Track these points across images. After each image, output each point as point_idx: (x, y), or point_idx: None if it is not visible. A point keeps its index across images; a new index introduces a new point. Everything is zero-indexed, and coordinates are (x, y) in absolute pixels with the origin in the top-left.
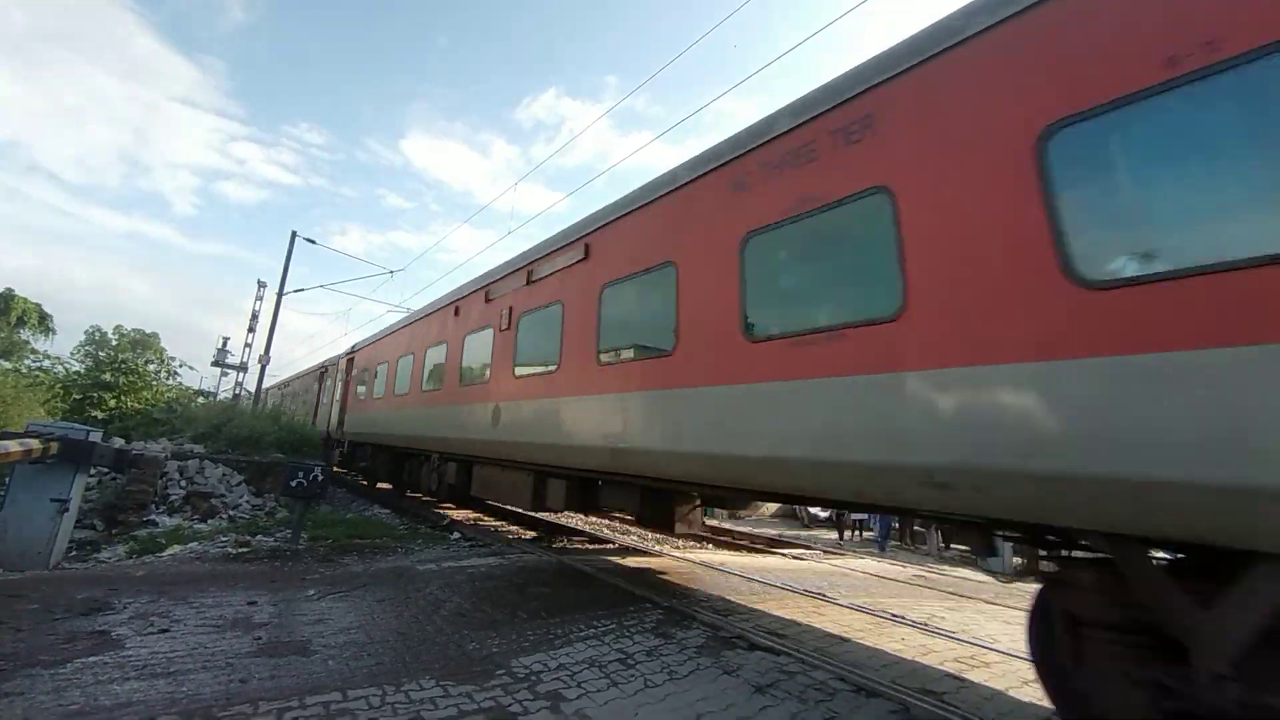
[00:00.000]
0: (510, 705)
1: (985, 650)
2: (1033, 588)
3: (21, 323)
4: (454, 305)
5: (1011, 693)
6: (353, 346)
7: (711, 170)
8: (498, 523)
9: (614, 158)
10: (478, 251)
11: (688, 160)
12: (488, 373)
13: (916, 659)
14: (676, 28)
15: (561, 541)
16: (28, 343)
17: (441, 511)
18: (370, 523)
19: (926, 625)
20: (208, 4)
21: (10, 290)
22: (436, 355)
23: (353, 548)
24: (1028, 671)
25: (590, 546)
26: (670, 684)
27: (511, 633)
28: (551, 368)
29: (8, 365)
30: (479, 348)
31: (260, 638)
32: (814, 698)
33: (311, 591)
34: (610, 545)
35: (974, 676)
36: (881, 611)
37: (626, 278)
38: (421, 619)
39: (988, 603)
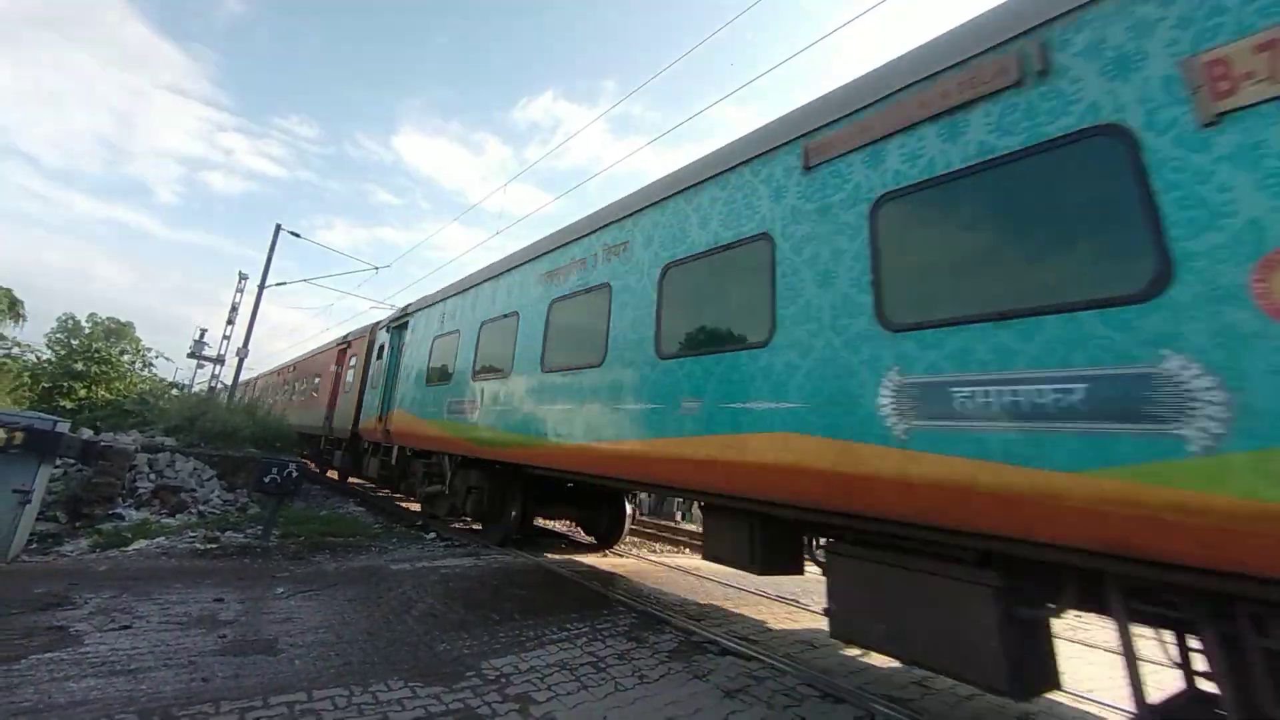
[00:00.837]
0: (479, 707)
1: None
2: None
3: None
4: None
5: (976, 699)
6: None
7: None
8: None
9: (607, 161)
10: (465, 250)
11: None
12: None
13: (884, 666)
14: (676, 34)
15: (538, 543)
16: None
17: (417, 510)
18: (344, 520)
19: None
20: None
21: None
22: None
23: (325, 545)
24: None
25: (566, 549)
26: (640, 687)
27: (483, 634)
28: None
29: None
30: None
31: (225, 636)
32: (782, 703)
33: (280, 589)
34: (586, 547)
35: (938, 684)
36: None
37: None
38: (392, 619)
39: None
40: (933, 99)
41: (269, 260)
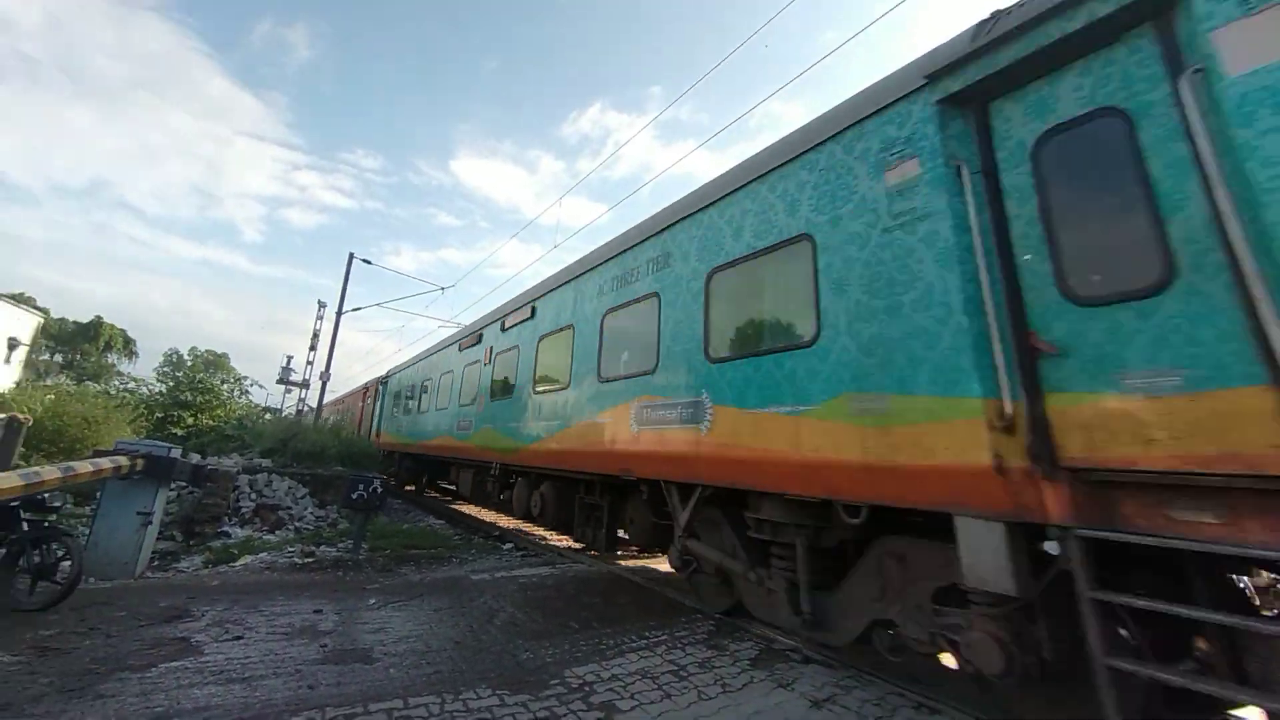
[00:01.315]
0: (565, 716)
1: None
2: None
3: (109, 347)
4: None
5: None
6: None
7: None
8: (547, 533)
9: (658, 168)
10: (525, 265)
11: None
12: None
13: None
14: (720, 34)
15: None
16: (114, 365)
17: (493, 522)
18: (426, 533)
19: None
20: (277, 44)
21: (99, 318)
22: None
23: (410, 558)
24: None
25: (639, 557)
26: (724, 696)
27: (564, 642)
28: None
29: (97, 388)
30: None
31: (326, 645)
32: (873, 714)
33: (372, 600)
34: (661, 555)
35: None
36: None
37: None
38: (476, 628)
39: None
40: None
41: (344, 288)
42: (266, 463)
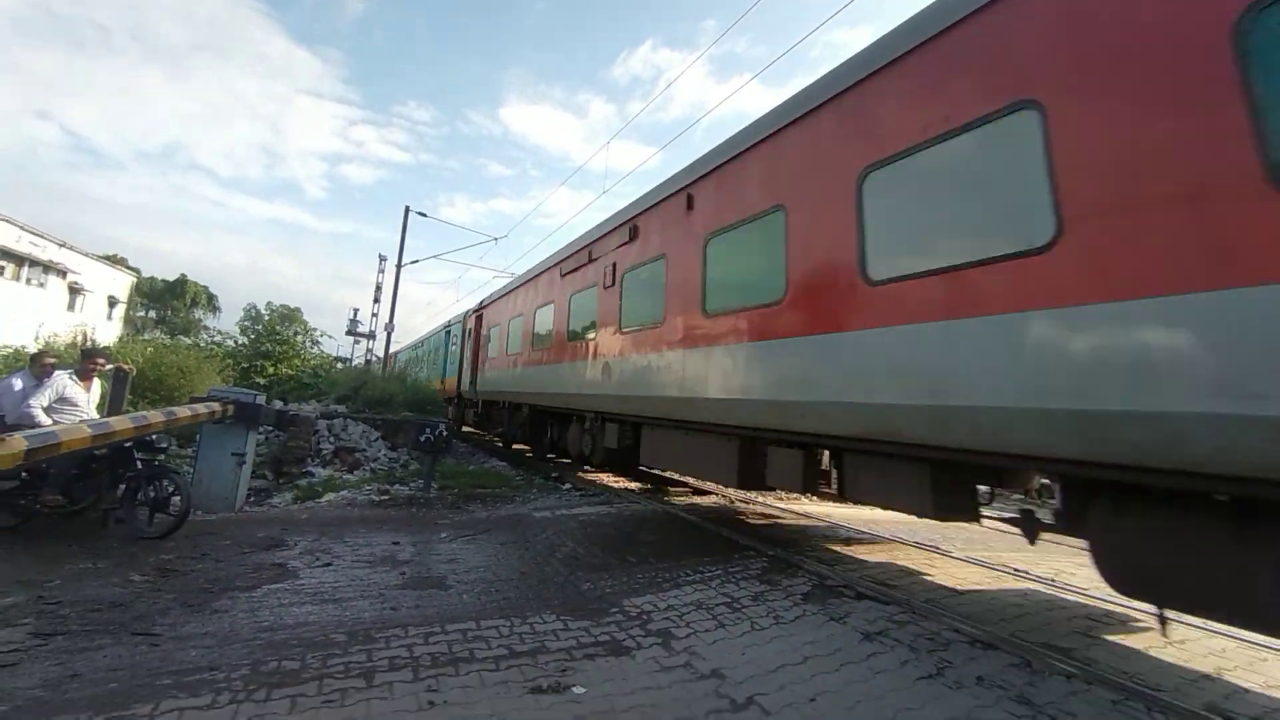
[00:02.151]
0: (624, 640)
1: (1122, 608)
2: None
3: (195, 303)
4: None
5: (1152, 652)
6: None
7: None
8: (604, 475)
9: (713, 107)
10: (576, 213)
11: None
12: None
13: (1041, 613)
14: None
15: (665, 492)
16: (200, 320)
17: (550, 463)
18: (491, 474)
19: (1053, 581)
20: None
21: (184, 276)
22: None
23: (476, 496)
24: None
25: (694, 498)
26: (776, 628)
27: (622, 575)
28: None
29: (188, 341)
30: None
31: (404, 573)
32: (925, 647)
33: (444, 534)
34: (713, 495)
35: (1107, 635)
36: (1002, 566)
37: None
38: (540, 561)
39: None
40: None
41: (402, 241)
42: (342, 408)
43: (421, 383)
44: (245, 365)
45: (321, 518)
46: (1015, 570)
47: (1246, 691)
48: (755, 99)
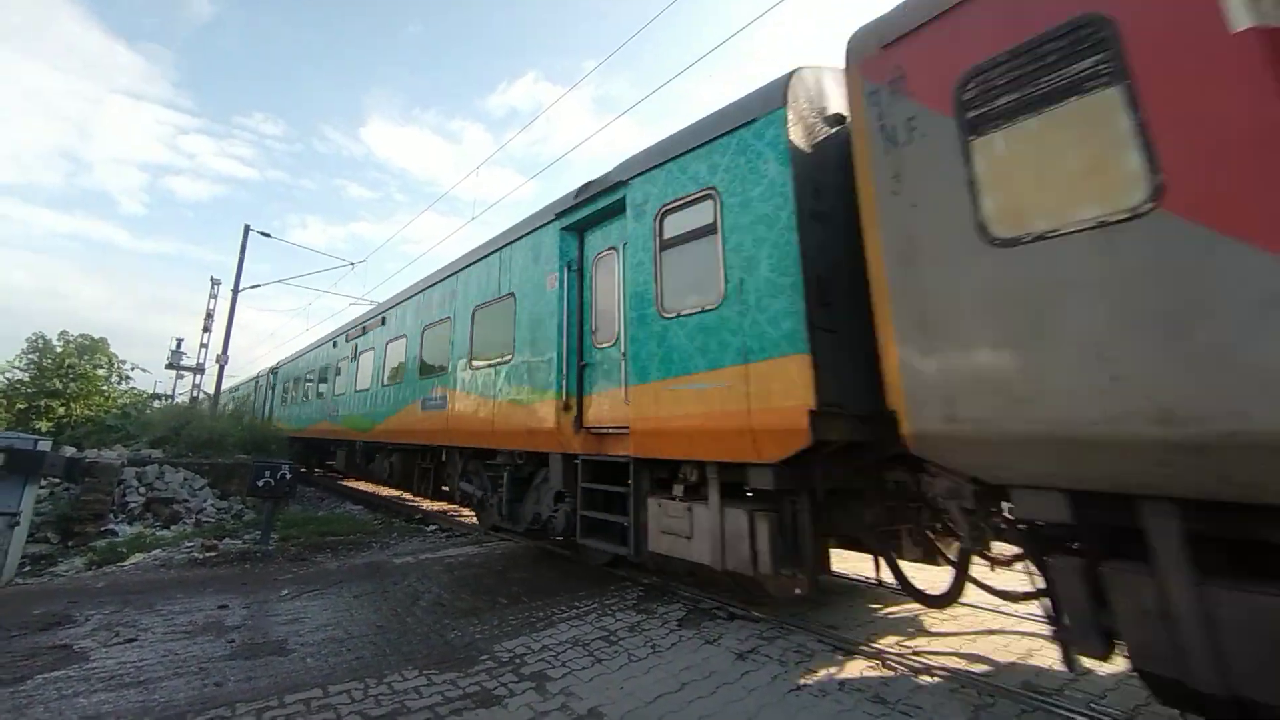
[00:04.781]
0: (495, 689)
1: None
2: None
3: None
4: None
5: (980, 639)
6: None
7: None
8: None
9: (592, 143)
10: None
11: None
12: None
13: (892, 615)
14: (657, 9)
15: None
16: None
17: (415, 504)
18: (343, 519)
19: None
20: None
21: None
22: None
23: (326, 545)
24: (992, 619)
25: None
26: (654, 657)
27: (493, 619)
28: None
29: None
30: None
31: (234, 640)
32: (794, 659)
33: (285, 591)
34: None
35: (933, 624)
36: (858, 576)
37: None
38: (400, 611)
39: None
40: None
41: (240, 263)
42: (157, 453)
43: (261, 420)
44: (24, 406)
45: (125, 584)
46: (867, 579)
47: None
48: (630, 136)
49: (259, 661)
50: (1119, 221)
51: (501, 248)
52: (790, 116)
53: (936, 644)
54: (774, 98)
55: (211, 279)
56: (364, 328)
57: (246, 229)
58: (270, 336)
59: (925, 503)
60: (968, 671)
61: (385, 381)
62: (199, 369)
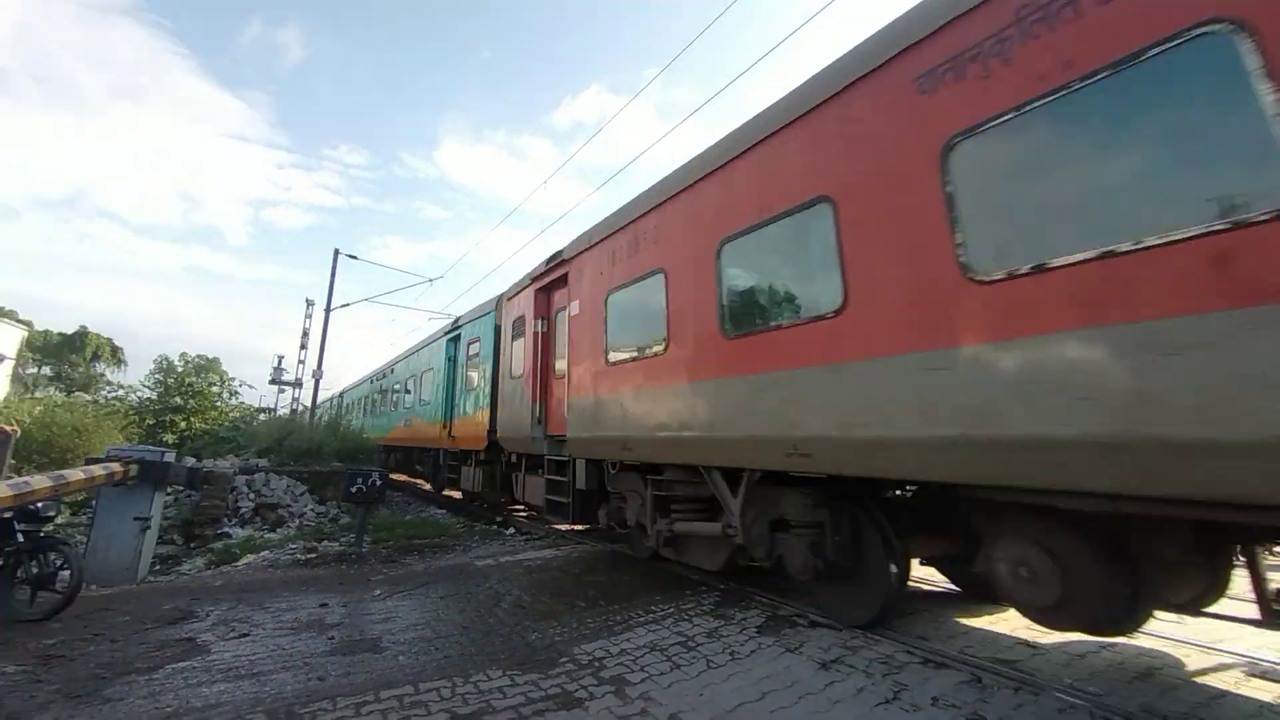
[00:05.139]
0: (576, 691)
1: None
2: None
3: (97, 357)
4: None
5: (1090, 657)
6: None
7: None
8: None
9: (656, 149)
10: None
11: None
12: None
13: (986, 628)
14: (715, 13)
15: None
16: (103, 375)
17: (494, 510)
18: (428, 523)
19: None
20: (268, 46)
21: (84, 328)
22: None
23: (413, 548)
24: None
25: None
26: (733, 664)
27: (572, 621)
28: None
29: (87, 397)
30: None
31: (333, 637)
32: (880, 671)
33: (378, 591)
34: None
35: (1048, 643)
36: (946, 585)
37: None
38: (483, 612)
39: None
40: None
41: (331, 284)
42: (263, 462)
43: (354, 431)
44: (153, 421)
45: (239, 582)
46: (956, 587)
47: (1176, 688)
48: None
49: (356, 658)
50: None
51: (421, 348)
52: (496, 315)
53: (1039, 660)
54: (489, 305)
55: (306, 300)
56: (381, 375)
57: (336, 253)
58: (360, 350)
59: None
60: (1082, 692)
61: (387, 408)
62: (297, 383)
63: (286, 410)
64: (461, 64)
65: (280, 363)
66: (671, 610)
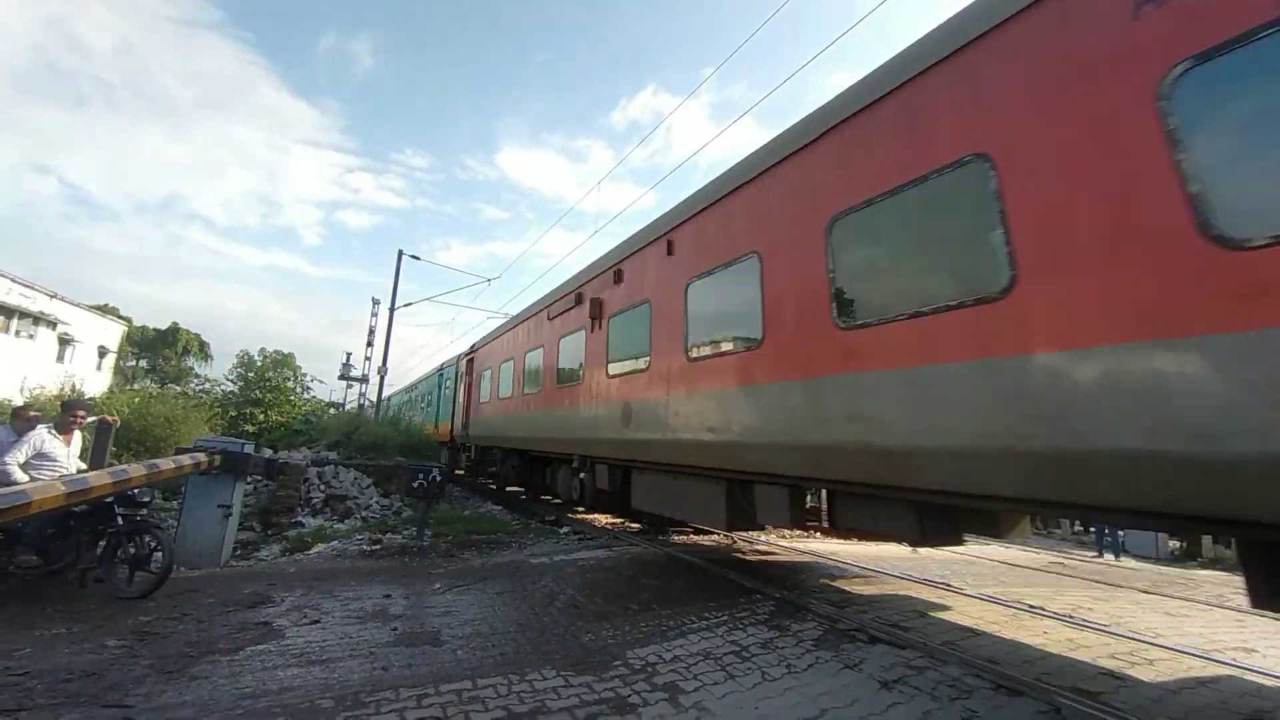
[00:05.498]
0: (630, 696)
1: (1147, 645)
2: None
3: (186, 351)
4: None
5: (1186, 693)
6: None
7: None
8: (602, 517)
9: (711, 149)
10: (568, 252)
11: None
12: None
13: (1064, 654)
14: (770, 12)
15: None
16: (192, 368)
17: (550, 506)
18: (486, 519)
19: (1071, 617)
20: (340, 56)
21: (175, 324)
22: None
23: (471, 543)
24: (1202, 668)
25: (694, 538)
26: (789, 678)
27: (624, 624)
28: None
29: (177, 389)
30: None
31: (396, 628)
32: (947, 695)
33: (438, 585)
34: (713, 534)
35: (1136, 674)
36: (1017, 602)
37: None
38: (539, 611)
39: (1143, 592)
40: None
41: (395, 284)
42: (333, 455)
43: (415, 427)
44: (235, 413)
45: (310, 570)
46: (1030, 607)
47: None
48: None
49: (417, 650)
50: None
51: (431, 376)
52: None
53: (1126, 693)
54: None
55: (372, 299)
56: (412, 388)
57: (400, 254)
58: (422, 347)
59: None
60: None
61: (416, 411)
62: (364, 379)
63: (354, 405)
64: (520, 67)
65: (349, 359)
66: (725, 618)
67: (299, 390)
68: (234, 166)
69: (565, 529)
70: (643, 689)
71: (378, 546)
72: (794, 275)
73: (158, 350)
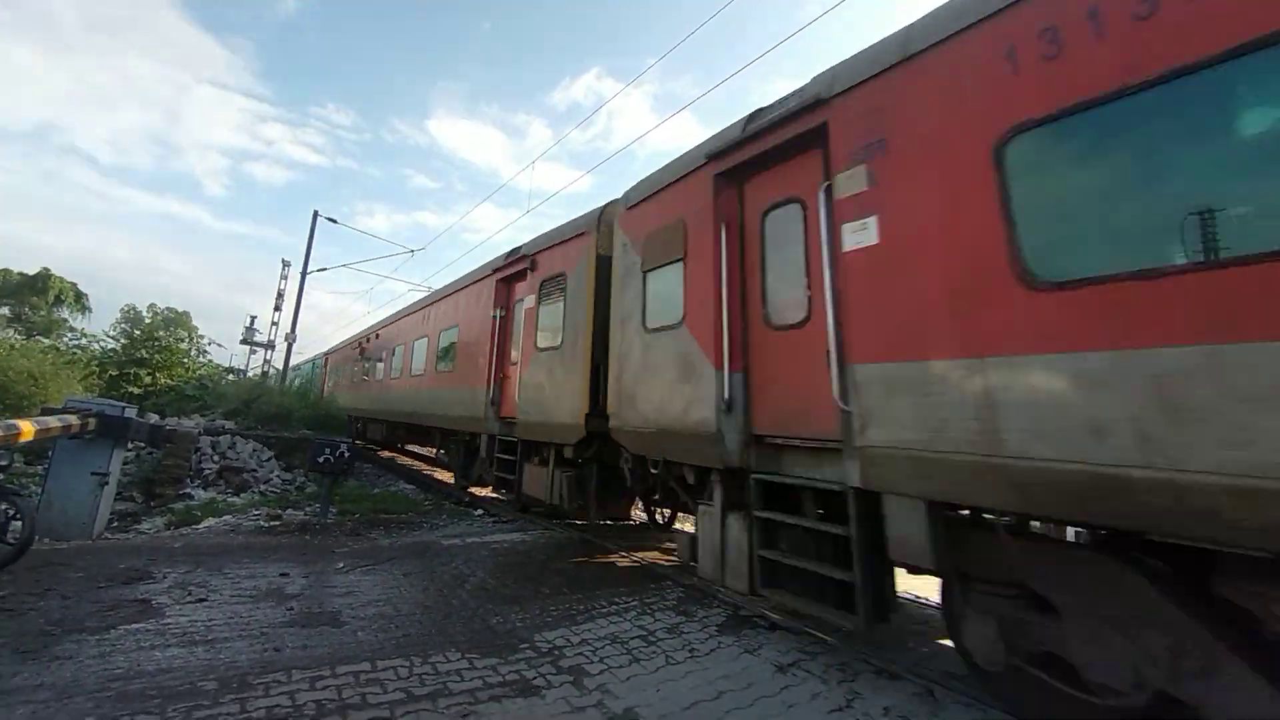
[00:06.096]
0: (534, 679)
1: None
2: None
3: (59, 301)
4: None
5: None
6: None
7: None
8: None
9: (652, 140)
10: (498, 229)
11: None
12: None
13: (946, 645)
14: (710, 9)
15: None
16: (65, 320)
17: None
18: (396, 498)
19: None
20: None
21: (46, 270)
22: None
23: (379, 522)
24: None
25: (613, 525)
26: (691, 661)
27: (534, 608)
28: None
29: (46, 342)
30: None
31: (293, 608)
32: (836, 678)
33: (340, 564)
34: (633, 524)
35: None
36: (908, 594)
37: None
38: (447, 593)
39: None
40: None
41: (309, 246)
42: (230, 424)
43: (330, 398)
44: (116, 373)
45: (199, 546)
46: (914, 598)
47: None
48: (691, 132)
49: (314, 630)
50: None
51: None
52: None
53: None
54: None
55: (283, 261)
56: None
57: (315, 215)
58: (337, 315)
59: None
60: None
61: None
62: (269, 345)
63: (257, 372)
64: (461, 33)
65: (253, 323)
66: (635, 603)
67: (194, 353)
68: (124, 100)
69: (480, 511)
70: (548, 671)
71: (277, 523)
72: None
73: (23, 297)
